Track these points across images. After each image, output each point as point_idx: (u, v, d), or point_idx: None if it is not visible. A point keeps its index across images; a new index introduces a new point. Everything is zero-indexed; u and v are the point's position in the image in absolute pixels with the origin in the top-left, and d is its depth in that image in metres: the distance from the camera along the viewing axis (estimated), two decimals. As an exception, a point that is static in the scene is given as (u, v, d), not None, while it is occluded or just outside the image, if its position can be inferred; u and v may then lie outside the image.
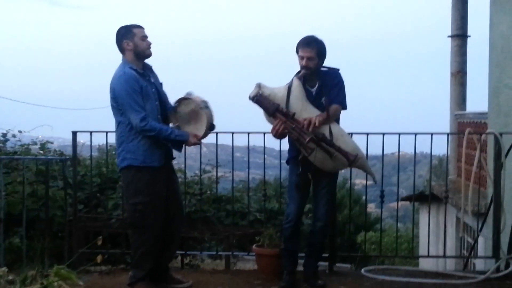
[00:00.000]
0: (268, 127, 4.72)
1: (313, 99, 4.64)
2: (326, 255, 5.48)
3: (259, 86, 4.53)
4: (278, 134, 4.52)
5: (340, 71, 4.75)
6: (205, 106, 4.47)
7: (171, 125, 4.64)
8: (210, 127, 4.52)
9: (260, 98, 4.48)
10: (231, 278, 5.17)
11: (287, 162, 4.93)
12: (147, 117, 4.34)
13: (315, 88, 4.68)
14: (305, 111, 4.49)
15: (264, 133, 5.24)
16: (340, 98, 4.68)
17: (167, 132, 4.42)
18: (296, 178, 4.75)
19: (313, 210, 4.92)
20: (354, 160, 4.50)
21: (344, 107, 4.71)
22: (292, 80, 4.62)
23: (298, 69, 4.69)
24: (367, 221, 21.90)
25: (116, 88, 4.42)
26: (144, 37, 4.54)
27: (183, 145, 4.69)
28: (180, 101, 4.58)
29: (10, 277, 4.64)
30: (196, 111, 4.51)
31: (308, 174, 4.64)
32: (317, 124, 4.38)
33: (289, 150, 4.88)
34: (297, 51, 4.67)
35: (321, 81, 4.68)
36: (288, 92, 4.54)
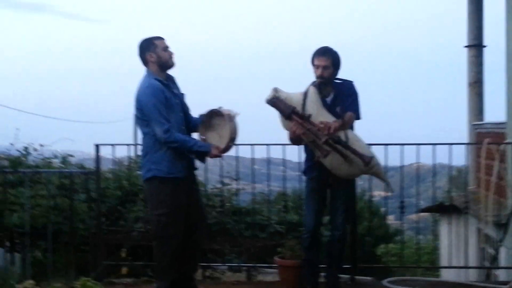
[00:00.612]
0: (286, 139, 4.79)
1: (328, 109, 4.68)
2: (348, 266, 5.50)
3: (275, 90, 4.59)
4: (294, 136, 4.54)
5: (354, 83, 4.81)
6: (231, 119, 4.52)
7: (196, 136, 4.69)
8: (232, 140, 4.55)
9: (276, 101, 4.54)
10: (253, 289, 5.20)
11: (304, 172, 4.97)
12: (171, 129, 4.39)
13: (329, 98, 4.74)
14: (321, 117, 4.53)
15: (284, 145, 5.29)
16: (354, 107, 4.73)
17: (190, 144, 4.47)
18: (311, 184, 4.80)
19: (330, 220, 4.95)
20: (370, 161, 4.53)
21: (358, 117, 4.76)
22: (308, 87, 4.69)
23: (313, 79, 4.75)
24: (387, 233, 21.76)
25: (142, 100, 4.48)
26: (166, 48, 4.59)
27: (206, 157, 4.74)
28: (210, 113, 4.63)
29: (37, 289, 4.75)
30: (222, 124, 4.57)
31: (327, 179, 4.70)
32: (332, 129, 4.39)
33: (305, 160, 4.93)
34: (312, 61, 4.73)
35: (335, 92, 4.74)
36: (304, 97, 4.62)
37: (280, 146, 5.43)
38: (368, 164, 4.56)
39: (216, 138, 4.61)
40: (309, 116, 4.48)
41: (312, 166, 4.78)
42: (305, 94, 4.63)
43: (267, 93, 4.60)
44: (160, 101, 4.42)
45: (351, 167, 4.61)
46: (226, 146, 4.53)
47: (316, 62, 4.68)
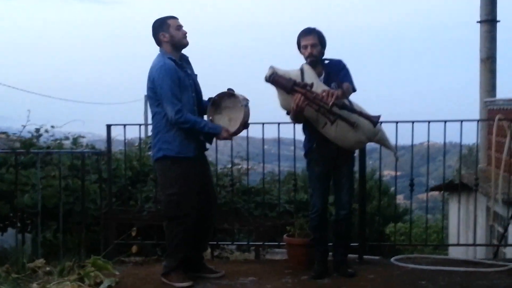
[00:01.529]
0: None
1: None
2: (356, 244, 5.53)
3: (272, 67, 4.59)
4: (299, 109, 4.49)
5: (342, 60, 4.85)
6: (245, 104, 4.53)
7: (205, 117, 4.71)
8: (244, 125, 4.58)
9: (276, 77, 4.53)
10: (262, 268, 5.24)
11: (306, 154, 4.98)
12: (182, 109, 4.40)
13: (322, 77, 4.76)
14: (320, 89, 4.53)
15: (295, 124, 5.28)
16: (349, 79, 4.75)
17: (201, 125, 4.49)
18: (315, 164, 4.83)
19: (335, 199, 4.98)
20: (378, 121, 4.57)
21: (354, 89, 4.76)
22: (302, 66, 4.72)
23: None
24: (396, 212, 21.78)
25: (155, 79, 4.48)
26: (179, 27, 4.60)
27: (213, 138, 4.75)
28: (221, 95, 4.64)
29: (48, 268, 4.82)
30: (234, 108, 4.59)
31: (331, 156, 4.73)
32: (335, 96, 4.38)
33: (305, 141, 4.95)
34: (298, 44, 4.80)
35: (326, 70, 4.79)
36: (302, 73, 4.64)
37: (291, 125, 5.42)
38: (376, 125, 4.60)
39: (225, 121, 4.62)
40: (312, 85, 4.49)
41: (314, 147, 4.80)
42: (301, 71, 4.67)
43: (265, 72, 4.59)
44: (173, 81, 4.43)
45: (358, 134, 4.62)
46: (237, 129, 4.54)
47: (303, 42, 4.74)
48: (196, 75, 4.77)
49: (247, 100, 4.58)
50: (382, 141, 4.90)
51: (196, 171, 4.63)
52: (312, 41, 4.71)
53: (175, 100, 4.40)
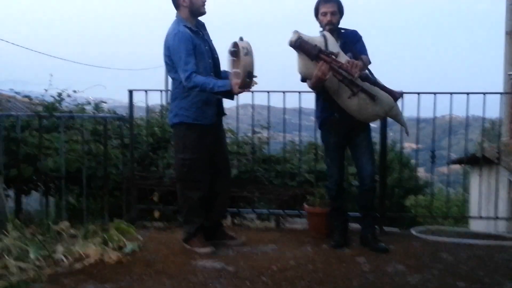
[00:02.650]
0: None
1: None
2: (376, 215, 5.53)
3: (297, 32, 4.50)
4: (323, 77, 4.42)
5: (357, 31, 4.82)
6: (245, 53, 4.30)
7: (232, 70, 4.52)
8: (248, 75, 4.31)
9: (302, 42, 4.45)
10: (282, 236, 5.28)
11: (321, 125, 4.96)
12: (191, 75, 4.36)
13: (338, 45, 4.70)
14: (342, 58, 4.50)
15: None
16: (365, 51, 4.74)
17: (210, 85, 4.38)
18: (331, 135, 4.82)
19: (358, 170, 4.89)
20: (401, 96, 4.58)
21: (370, 61, 4.73)
22: (323, 33, 4.66)
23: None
24: (417, 185, 21.70)
25: (170, 46, 4.49)
26: None
27: (232, 95, 4.61)
28: (233, 46, 4.44)
29: (72, 231, 4.90)
30: (239, 59, 4.38)
31: (347, 126, 4.73)
32: (359, 67, 4.37)
33: (321, 112, 4.91)
34: (316, 11, 4.76)
35: (343, 39, 4.74)
36: (325, 40, 4.57)
37: (312, 94, 5.39)
38: (397, 100, 4.57)
39: (238, 74, 4.50)
40: (337, 54, 4.45)
41: (334, 116, 4.76)
42: (324, 37, 4.60)
43: (289, 36, 4.51)
44: (187, 48, 4.41)
45: (376, 107, 4.60)
46: (243, 81, 4.30)
47: (323, 9, 4.70)
48: (211, 40, 4.76)
49: (247, 48, 4.30)
50: (397, 116, 4.86)
51: (211, 138, 4.66)
52: (332, 8, 4.68)
53: (186, 67, 4.39)
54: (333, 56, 4.41)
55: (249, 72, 4.29)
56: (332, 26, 4.69)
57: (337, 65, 4.40)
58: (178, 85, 4.57)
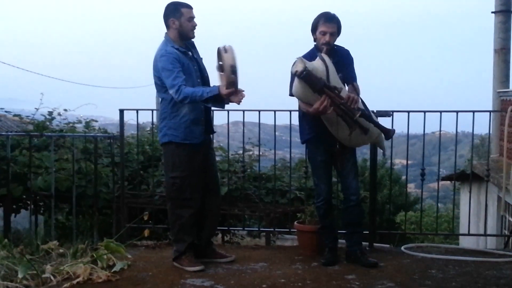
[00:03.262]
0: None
1: None
2: (366, 232, 5.55)
3: (302, 60, 4.43)
4: (324, 110, 4.42)
5: (349, 51, 4.87)
6: (225, 51, 4.31)
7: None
8: (232, 71, 4.27)
9: (308, 73, 4.36)
10: (273, 254, 5.27)
11: (306, 142, 4.96)
12: (180, 87, 4.37)
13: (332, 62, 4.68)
14: (337, 85, 4.51)
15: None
16: (355, 74, 4.80)
17: (199, 93, 4.38)
18: (318, 153, 4.84)
19: (343, 187, 4.92)
20: (393, 135, 4.70)
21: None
22: (321, 55, 4.61)
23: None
24: (407, 201, 21.76)
25: (158, 66, 4.52)
26: (191, 18, 4.59)
27: (223, 101, 4.60)
28: (217, 53, 4.43)
29: (61, 250, 4.87)
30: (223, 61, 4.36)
31: (335, 148, 4.74)
32: (356, 100, 4.43)
33: (306, 130, 4.90)
34: (315, 27, 4.73)
35: (336, 58, 4.71)
36: (326, 67, 4.51)
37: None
38: (390, 138, 4.66)
39: (223, 75, 4.43)
40: (340, 89, 4.45)
41: (317, 136, 4.79)
42: (325, 64, 4.52)
43: (295, 65, 4.45)
44: (175, 66, 4.43)
45: (366, 137, 4.68)
46: (228, 78, 4.29)
47: (322, 29, 4.67)
48: (201, 58, 4.78)
49: (225, 48, 4.30)
50: (380, 143, 4.96)
51: (200, 157, 4.68)
52: (332, 29, 4.66)
53: (174, 81, 4.39)
54: (336, 91, 4.42)
55: (232, 66, 4.27)
56: (329, 47, 4.68)
57: (340, 102, 4.41)
58: (167, 105, 4.60)
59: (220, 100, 4.52)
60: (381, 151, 5.19)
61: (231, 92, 4.35)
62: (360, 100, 4.60)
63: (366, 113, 4.58)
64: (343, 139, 4.67)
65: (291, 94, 4.71)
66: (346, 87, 4.72)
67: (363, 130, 4.56)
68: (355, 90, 4.63)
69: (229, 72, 4.27)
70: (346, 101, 4.39)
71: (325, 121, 4.65)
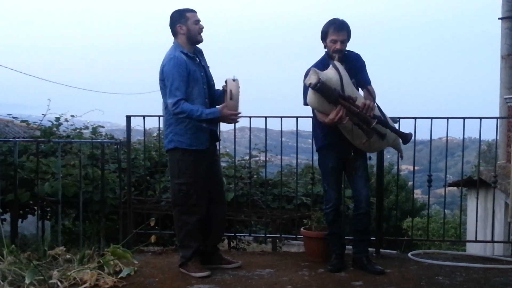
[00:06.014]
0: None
1: None
2: (373, 238, 5.54)
3: (316, 72, 4.40)
4: (340, 120, 4.41)
5: (360, 55, 4.86)
6: (232, 79, 4.53)
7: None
8: (233, 97, 4.49)
9: (323, 85, 4.34)
10: (279, 260, 5.26)
11: (320, 149, 4.95)
12: (179, 101, 4.41)
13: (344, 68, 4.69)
14: (351, 92, 4.52)
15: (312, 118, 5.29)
16: (368, 78, 4.78)
17: (197, 113, 4.44)
18: (330, 160, 4.83)
19: (353, 194, 4.93)
20: (410, 138, 4.74)
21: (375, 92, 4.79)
22: (334, 63, 4.60)
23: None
24: (414, 207, 21.70)
25: (164, 71, 4.54)
26: (197, 21, 4.63)
27: (218, 123, 4.75)
28: (226, 82, 4.63)
29: (68, 256, 4.88)
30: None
31: (348, 154, 4.74)
32: (372, 107, 4.42)
33: (321, 137, 4.90)
34: (325, 35, 4.71)
35: (347, 64, 4.70)
36: (340, 76, 4.50)
37: (309, 118, 5.42)
38: (408, 142, 4.71)
39: (230, 103, 4.56)
40: (355, 98, 4.45)
41: (331, 143, 4.80)
42: (338, 72, 4.52)
43: (309, 76, 4.45)
44: (180, 74, 4.46)
45: (383, 142, 4.70)
46: (228, 104, 4.47)
47: (333, 37, 4.66)
48: (208, 66, 4.80)
49: (234, 76, 4.56)
50: (397, 145, 4.97)
51: (205, 162, 4.69)
52: (342, 37, 4.66)
53: (176, 93, 4.43)
54: (351, 101, 4.41)
55: (234, 94, 4.49)
56: (341, 54, 4.66)
57: (355, 111, 4.40)
58: None
59: (215, 121, 4.62)
60: (398, 153, 5.21)
61: (234, 113, 4.51)
62: (376, 106, 4.58)
63: (382, 120, 4.56)
64: (359, 146, 4.67)
65: (305, 104, 4.71)
66: (361, 92, 4.73)
67: (380, 136, 4.57)
68: (371, 94, 4.62)
69: (231, 98, 4.48)
70: (361, 110, 4.39)
71: (341, 129, 4.64)
